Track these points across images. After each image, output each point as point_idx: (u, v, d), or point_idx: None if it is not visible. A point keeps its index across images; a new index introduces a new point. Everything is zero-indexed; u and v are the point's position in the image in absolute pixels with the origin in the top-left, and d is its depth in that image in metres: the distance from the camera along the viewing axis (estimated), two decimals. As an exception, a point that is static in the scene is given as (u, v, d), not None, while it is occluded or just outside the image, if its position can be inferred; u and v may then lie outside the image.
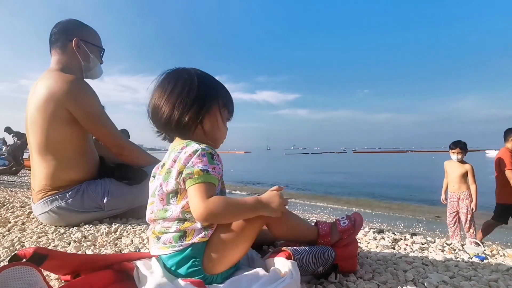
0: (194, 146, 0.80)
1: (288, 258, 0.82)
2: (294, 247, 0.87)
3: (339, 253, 0.92)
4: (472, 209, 3.37)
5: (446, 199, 3.67)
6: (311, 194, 10.17)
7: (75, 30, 1.69)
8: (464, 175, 3.45)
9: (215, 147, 0.87)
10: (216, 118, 0.89)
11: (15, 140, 7.45)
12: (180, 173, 0.78)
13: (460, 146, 3.45)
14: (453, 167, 3.54)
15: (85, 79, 1.73)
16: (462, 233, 3.52)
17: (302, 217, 1.02)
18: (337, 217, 1.04)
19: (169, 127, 0.86)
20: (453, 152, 3.50)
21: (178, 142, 0.88)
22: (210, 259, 0.79)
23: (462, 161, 3.49)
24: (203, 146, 0.80)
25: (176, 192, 0.80)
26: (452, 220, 3.54)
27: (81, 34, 1.70)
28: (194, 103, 0.84)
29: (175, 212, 0.79)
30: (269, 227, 0.90)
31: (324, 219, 1.08)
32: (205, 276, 0.78)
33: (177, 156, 0.81)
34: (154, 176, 0.90)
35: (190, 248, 0.78)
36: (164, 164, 0.86)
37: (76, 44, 1.67)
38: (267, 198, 0.82)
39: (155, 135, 0.93)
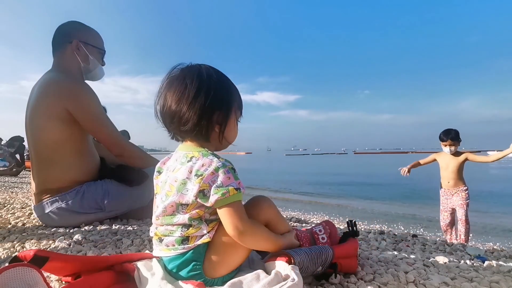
0: (213, 160, 0.77)
1: (289, 262, 0.81)
2: (294, 249, 0.87)
3: (337, 251, 0.92)
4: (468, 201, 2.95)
5: (409, 172, 3.26)
6: (311, 195, 10.16)
7: (75, 32, 1.70)
8: (461, 168, 2.99)
9: (222, 148, 0.88)
10: (233, 121, 0.88)
11: (8, 149, 7.54)
12: (201, 191, 0.76)
13: (451, 136, 2.95)
14: (447, 160, 3.05)
15: (85, 81, 1.73)
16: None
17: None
18: (314, 228, 1.05)
19: (185, 131, 0.81)
20: (445, 145, 3.00)
21: (190, 146, 0.85)
22: (211, 262, 0.79)
23: (456, 153, 3.01)
24: (222, 161, 0.78)
25: (188, 203, 0.78)
26: (447, 219, 3.12)
27: (81, 36, 1.70)
28: (215, 107, 0.81)
29: (181, 219, 0.78)
30: (269, 228, 0.90)
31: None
32: (206, 279, 0.78)
33: (192, 167, 0.78)
34: (159, 172, 0.88)
35: (191, 251, 0.78)
36: (170, 170, 0.84)
37: (76, 46, 1.67)
38: (290, 242, 0.92)
39: (164, 134, 0.89)
